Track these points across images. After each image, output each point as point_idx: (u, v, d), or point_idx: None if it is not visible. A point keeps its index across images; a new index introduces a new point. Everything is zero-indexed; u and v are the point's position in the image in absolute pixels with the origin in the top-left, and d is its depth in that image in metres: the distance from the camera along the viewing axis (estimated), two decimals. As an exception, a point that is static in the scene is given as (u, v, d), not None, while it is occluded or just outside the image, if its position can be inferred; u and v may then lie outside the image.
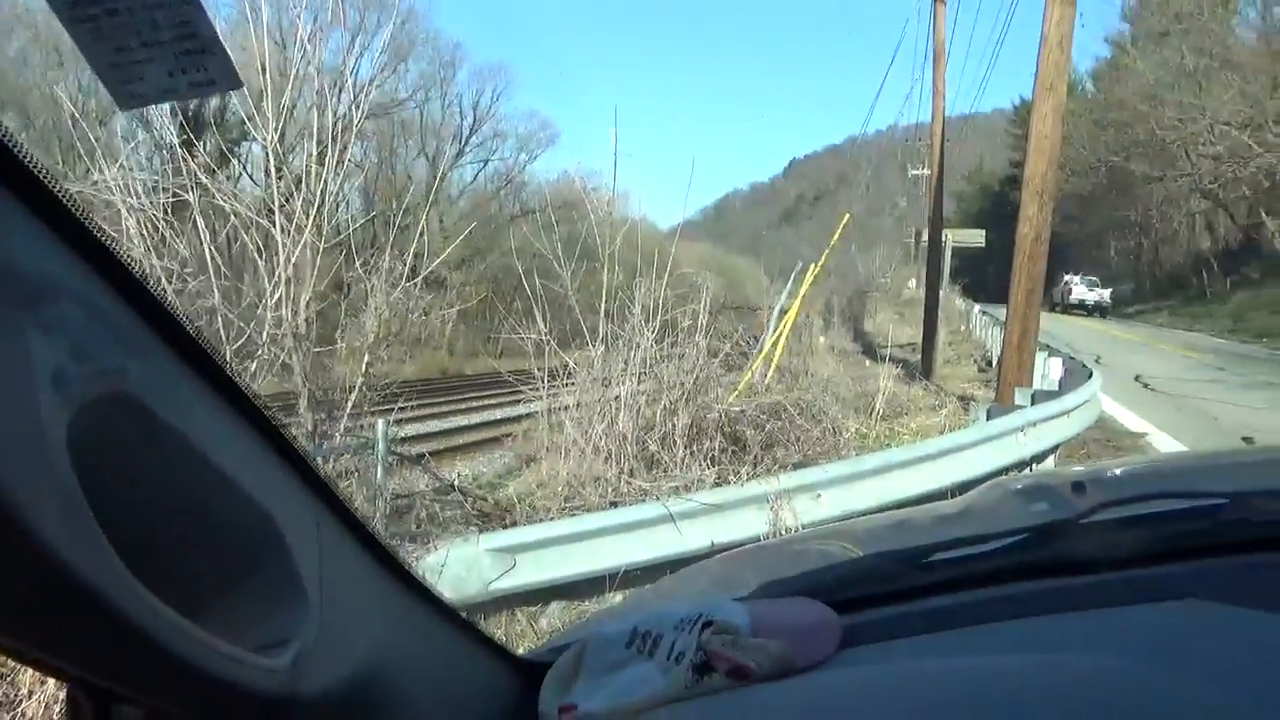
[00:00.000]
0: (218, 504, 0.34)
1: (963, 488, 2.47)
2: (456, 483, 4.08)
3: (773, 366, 8.08)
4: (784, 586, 0.65)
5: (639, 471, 4.20)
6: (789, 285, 10.03)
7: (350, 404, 3.69)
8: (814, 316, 14.47)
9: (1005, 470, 3.66)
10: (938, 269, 15.29)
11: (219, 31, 0.38)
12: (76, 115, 3.65)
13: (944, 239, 16.92)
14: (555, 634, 1.18)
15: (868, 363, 13.65)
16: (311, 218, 3.56)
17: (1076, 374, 7.06)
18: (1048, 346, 8.92)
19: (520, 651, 0.62)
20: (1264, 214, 24.13)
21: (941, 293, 15.47)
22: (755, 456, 4.76)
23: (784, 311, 9.34)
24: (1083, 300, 32.65)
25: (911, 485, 3.19)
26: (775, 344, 8.51)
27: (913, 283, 42.21)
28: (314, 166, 3.77)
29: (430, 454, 4.98)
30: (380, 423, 3.38)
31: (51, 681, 1.60)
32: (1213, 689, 0.44)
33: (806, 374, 8.13)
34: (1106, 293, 31.93)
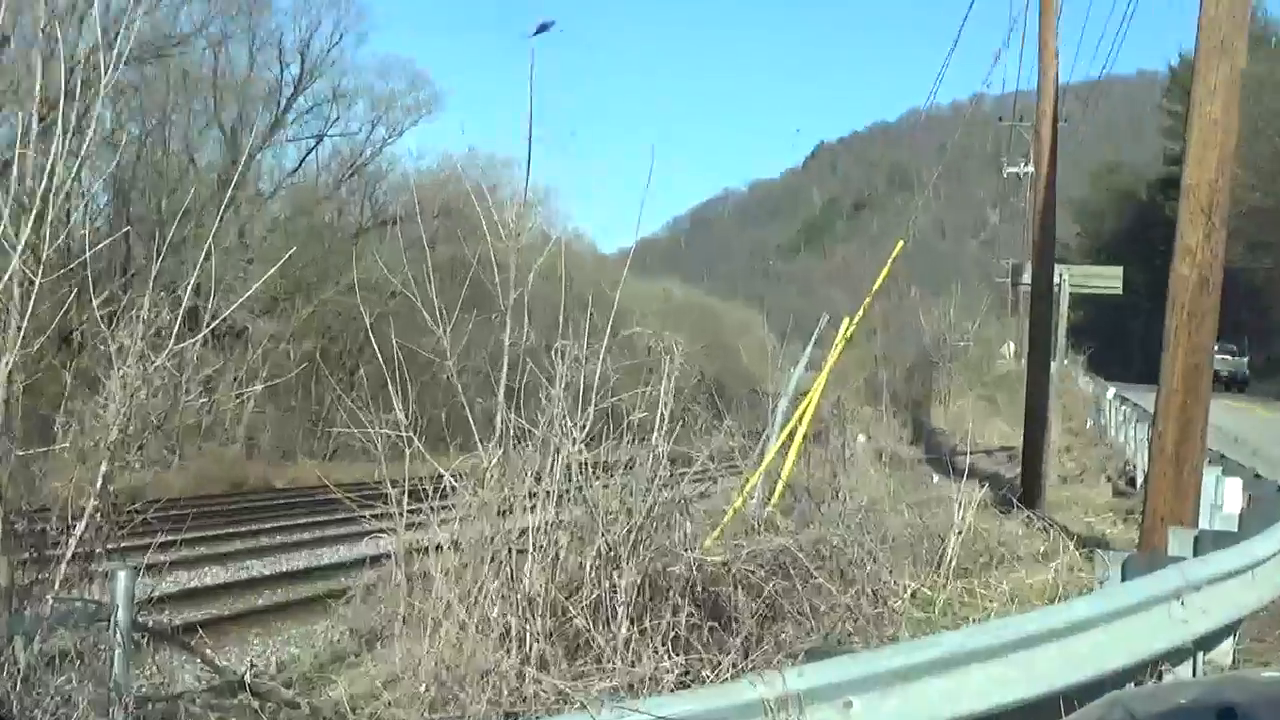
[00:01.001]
0: None
1: (1079, 694, 2.37)
2: (248, 676, 3.67)
3: (779, 486, 8.49)
4: None
5: (554, 661, 3.89)
6: (808, 350, 10.27)
7: (75, 541, 3.19)
8: (850, 402, 16.24)
9: (1147, 667, 3.34)
10: (1048, 327, 14.03)
11: None
12: None
13: (1058, 280, 16.80)
14: None
15: (935, 479, 14.11)
16: (24, 231, 3.06)
17: (1270, 503, 6.62)
18: (1222, 457, 8.75)
19: None
20: None
21: (1054, 366, 15.33)
22: (747, 637, 4.64)
23: (800, 395, 9.74)
24: (1215, 370, 35.10)
25: (996, 689, 2.92)
26: (785, 448, 8.97)
27: (1009, 348, 45.19)
28: (31, 141, 3.30)
29: (205, 625, 4.70)
30: (123, 574, 3.04)
31: None
32: None
33: (835, 497, 8.39)
34: (1243, 361, 33.93)
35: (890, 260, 11.24)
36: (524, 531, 5.14)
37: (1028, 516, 9.67)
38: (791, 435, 9.70)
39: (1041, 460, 14.63)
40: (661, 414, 6.05)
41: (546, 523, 5.26)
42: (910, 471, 18.70)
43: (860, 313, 10.57)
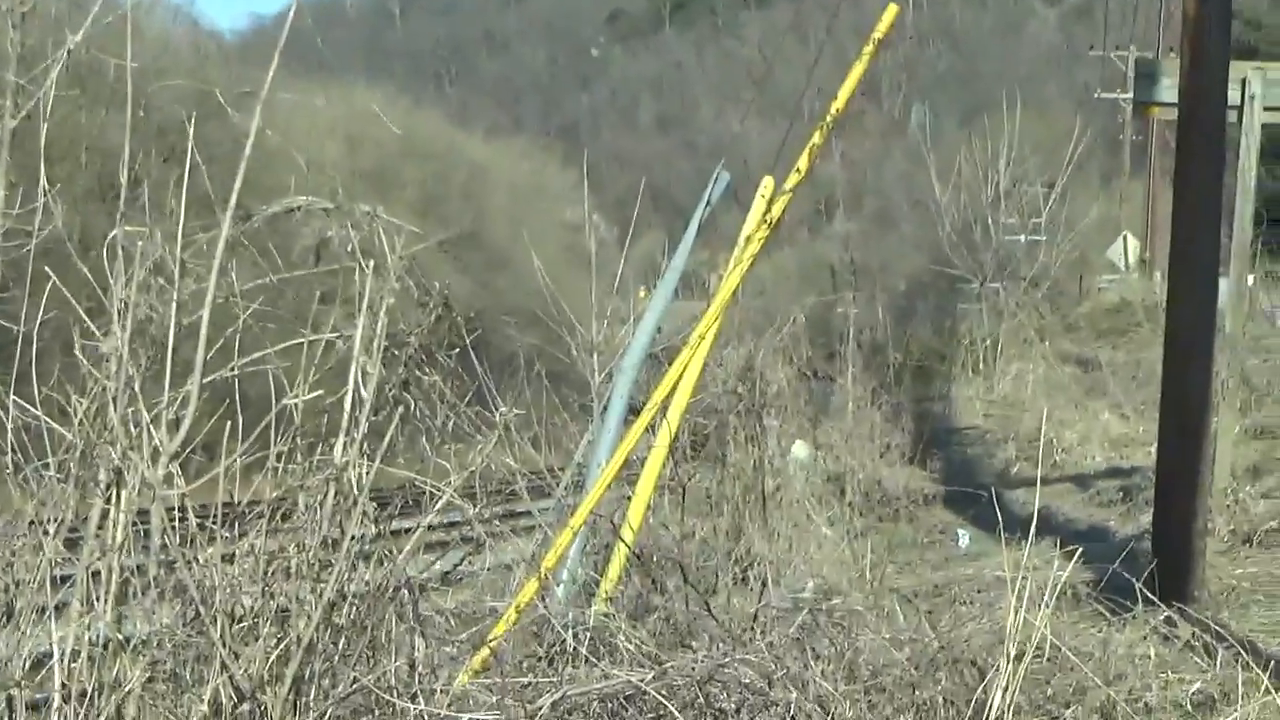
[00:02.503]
0: None
1: None
2: None
3: (617, 555, 9.61)
4: None
5: None
6: (683, 250, 11.29)
7: None
8: (776, 369, 17.55)
9: None
10: (1214, 202, 13.98)
11: None
12: None
13: (1240, 96, 16.52)
14: None
15: (964, 538, 18.14)
16: None
17: None
18: None
19: None
20: None
21: (1227, 287, 15.60)
22: None
23: (665, 353, 11.97)
24: None
25: None
26: (629, 473, 10.27)
27: (1124, 248, 46.73)
28: None
29: None
30: None
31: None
32: None
33: (742, 581, 9.70)
34: None
35: (873, 42, 11.18)
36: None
37: (1167, 621, 10.30)
38: (646, 445, 10.17)
39: (1196, 495, 14.20)
40: (356, 394, 6.38)
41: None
42: (910, 523, 19.92)
43: (803, 162, 10.78)
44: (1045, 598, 7.45)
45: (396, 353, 6.91)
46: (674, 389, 10.02)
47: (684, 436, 11.80)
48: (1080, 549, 10.41)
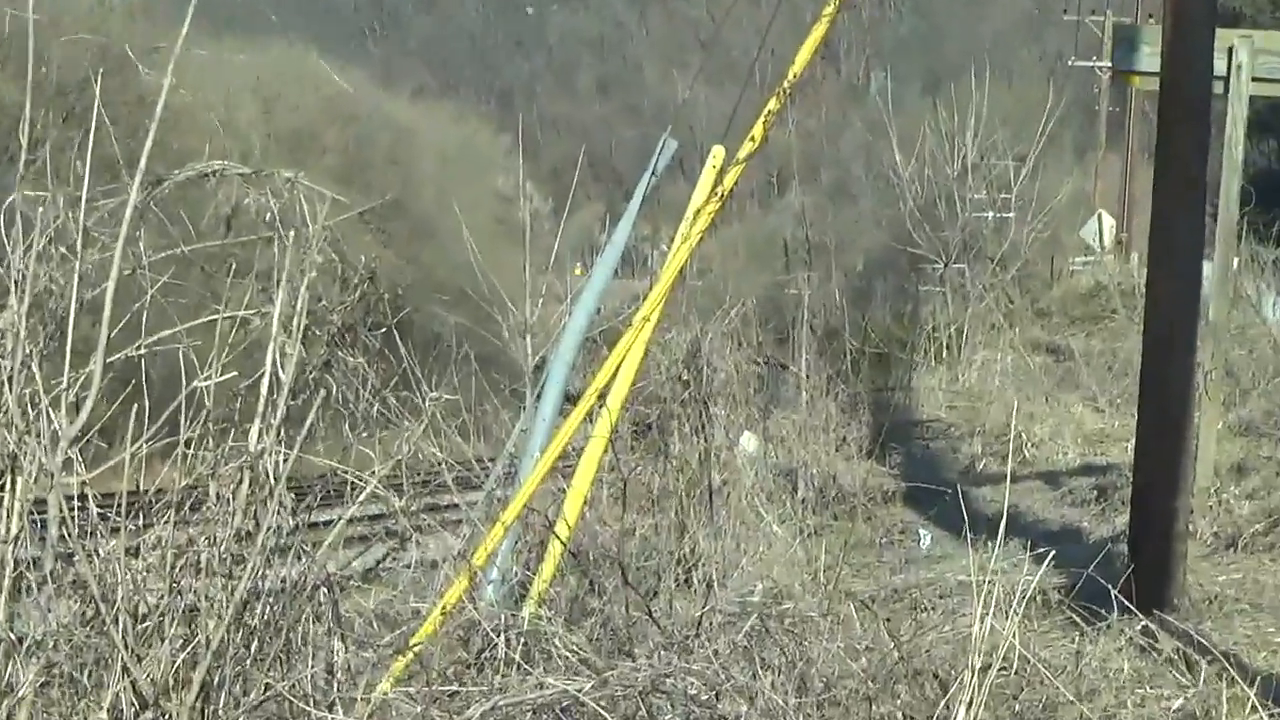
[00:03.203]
0: None
1: None
2: None
3: (552, 553, 9.74)
4: None
5: None
6: (625, 225, 11.59)
7: None
8: (723, 355, 17.62)
9: None
10: (1197, 176, 14.23)
11: None
12: None
13: (1226, 66, 16.84)
14: None
15: (925, 537, 18.15)
16: None
17: None
18: None
19: None
20: None
21: (1211, 269, 16.03)
22: None
23: (604, 335, 12.55)
24: None
25: None
26: (564, 466, 10.62)
27: (1098, 226, 47.13)
28: None
29: None
30: None
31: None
32: None
33: (686, 584, 9.84)
34: None
35: (833, 2, 11.41)
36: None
37: (1145, 631, 10.24)
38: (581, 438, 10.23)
39: (1176, 495, 14.36)
40: (273, 375, 6.41)
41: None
42: (867, 522, 19.75)
43: (758, 130, 10.86)
44: (1013, 605, 7.43)
45: (317, 331, 6.91)
46: (614, 375, 10.07)
47: (624, 426, 11.86)
48: (1051, 552, 10.35)
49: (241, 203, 6.94)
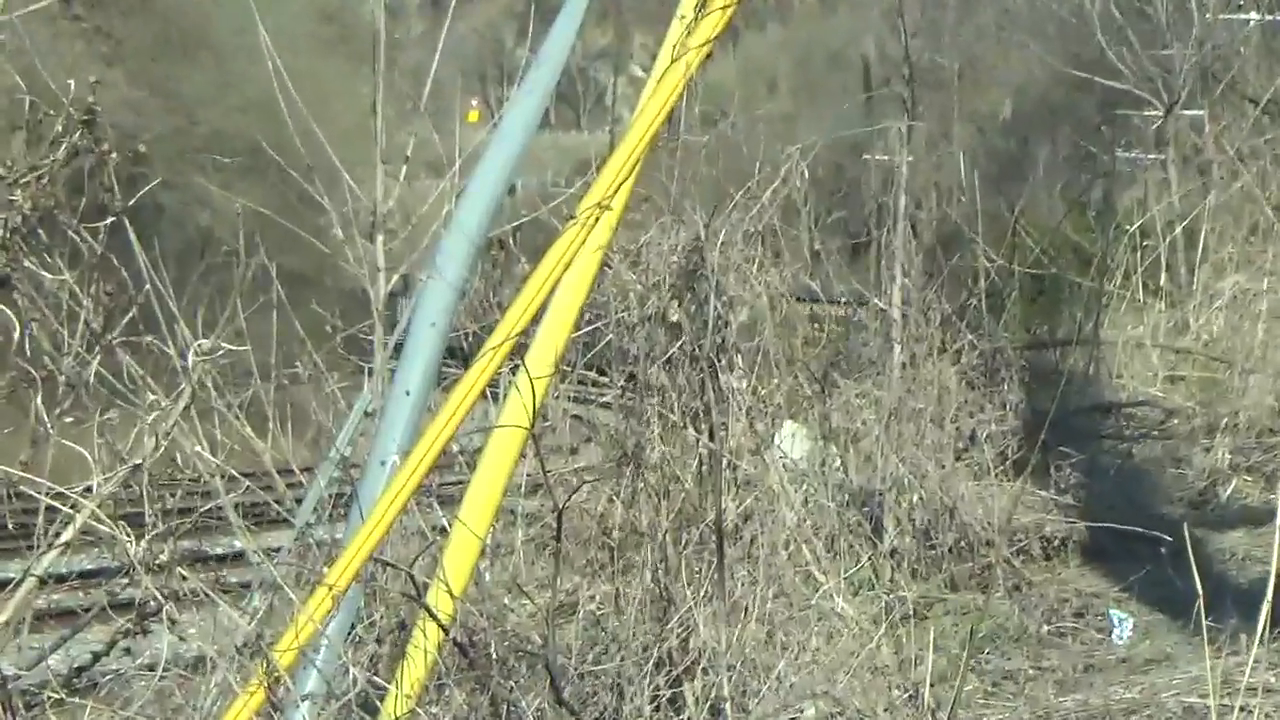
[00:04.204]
0: None
1: None
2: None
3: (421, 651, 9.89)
4: None
5: None
6: (570, 15, 11.64)
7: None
8: (764, 270, 17.24)
9: None
10: None
11: None
12: None
13: None
14: None
15: (1120, 621, 18.00)
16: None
17: None
18: None
19: None
20: None
21: None
22: None
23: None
24: None
25: None
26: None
27: None
28: None
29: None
30: None
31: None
32: None
33: (688, 686, 9.70)
34: None
35: None
36: None
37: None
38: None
39: None
40: None
41: None
42: (1014, 595, 19.75)
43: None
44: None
45: (-13, 218, 6.98)
46: (538, 312, 10.16)
47: (559, 408, 11.88)
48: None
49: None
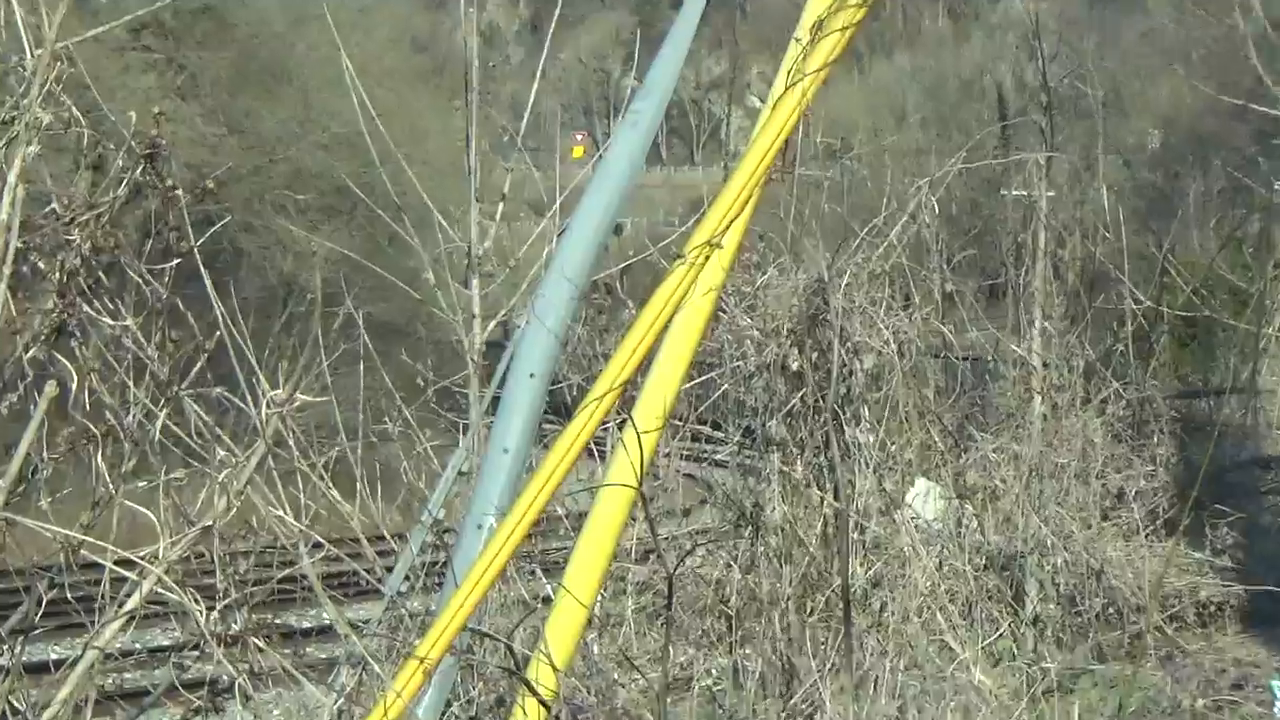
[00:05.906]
0: None
1: None
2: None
3: None
4: None
5: None
6: (677, 45, 11.71)
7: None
8: (891, 314, 17.17)
9: None
10: None
11: None
12: None
13: None
14: None
15: None
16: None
17: None
18: None
19: None
20: None
21: None
22: None
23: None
24: None
25: None
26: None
27: None
28: None
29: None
30: None
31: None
32: None
33: None
34: None
35: None
36: None
37: None
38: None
39: None
40: None
41: None
42: (1168, 665, 19.78)
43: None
44: None
45: (41, 263, 6.95)
46: (645, 361, 10.14)
47: (669, 467, 11.93)
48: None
49: None
